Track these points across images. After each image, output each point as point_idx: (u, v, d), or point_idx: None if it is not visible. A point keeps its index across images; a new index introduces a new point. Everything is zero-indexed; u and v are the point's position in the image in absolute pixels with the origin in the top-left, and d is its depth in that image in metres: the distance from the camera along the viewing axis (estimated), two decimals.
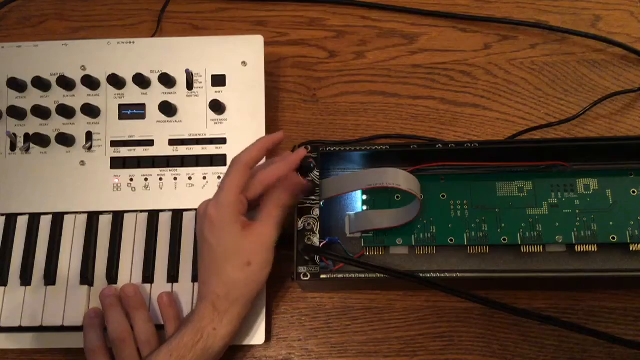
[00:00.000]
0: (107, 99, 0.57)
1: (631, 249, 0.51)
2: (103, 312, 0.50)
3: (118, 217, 0.54)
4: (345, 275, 0.48)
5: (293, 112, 0.63)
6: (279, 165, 0.49)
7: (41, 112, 0.56)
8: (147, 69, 0.58)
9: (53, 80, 0.57)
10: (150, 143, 0.56)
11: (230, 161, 0.48)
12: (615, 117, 0.61)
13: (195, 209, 0.51)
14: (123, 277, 0.53)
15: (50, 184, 0.55)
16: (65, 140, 0.55)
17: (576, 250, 0.51)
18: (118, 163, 0.56)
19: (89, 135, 0.57)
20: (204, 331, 0.45)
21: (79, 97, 0.57)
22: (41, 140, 0.55)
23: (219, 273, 0.47)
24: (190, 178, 0.55)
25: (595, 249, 0.51)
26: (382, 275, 0.46)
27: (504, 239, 0.51)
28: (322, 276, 0.48)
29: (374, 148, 0.52)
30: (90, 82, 0.57)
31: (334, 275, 0.48)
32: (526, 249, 0.51)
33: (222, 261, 0.46)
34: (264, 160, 0.51)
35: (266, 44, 0.59)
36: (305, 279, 0.48)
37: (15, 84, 0.56)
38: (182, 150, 0.56)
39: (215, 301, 0.46)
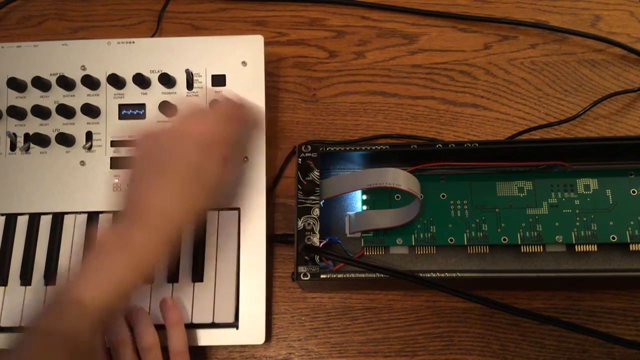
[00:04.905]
0: (107, 99, 0.57)
1: (631, 249, 0.51)
2: None
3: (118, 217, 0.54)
4: (345, 275, 0.48)
5: (293, 112, 0.63)
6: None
7: (41, 112, 0.56)
8: (147, 69, 0.58)
9: (53, 80, 0.57)
10: None
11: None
12: (615, 117, 0.61)
13: None
14: None
15: (50, 184, 0.55)
16: (65, 140, 0.55)
17: (576, 250, 0.51)
18: (118, 163, 0.56)
19: (89, 135, 0.57)
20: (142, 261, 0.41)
21: (79, 97, 0.57)
22: (41, 140, 0.55)
23: (182, 196, 0.42)
24: None
25: (595, 249, 0.51)
26: (382, 275, 0.46)
27: (504, 239, 0.51)
28: (322, 276, 0.48)
29: (374, 148, 0.52)
30: (90, 82, 0.57)
31: (334, 275, 0.48)
32: (526, 249, 0.51)
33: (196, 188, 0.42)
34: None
35: (266, 44, 0.59)
36: (305, 279, 0.48)
37: (15, 84, 0.56)
38: None
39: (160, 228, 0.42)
